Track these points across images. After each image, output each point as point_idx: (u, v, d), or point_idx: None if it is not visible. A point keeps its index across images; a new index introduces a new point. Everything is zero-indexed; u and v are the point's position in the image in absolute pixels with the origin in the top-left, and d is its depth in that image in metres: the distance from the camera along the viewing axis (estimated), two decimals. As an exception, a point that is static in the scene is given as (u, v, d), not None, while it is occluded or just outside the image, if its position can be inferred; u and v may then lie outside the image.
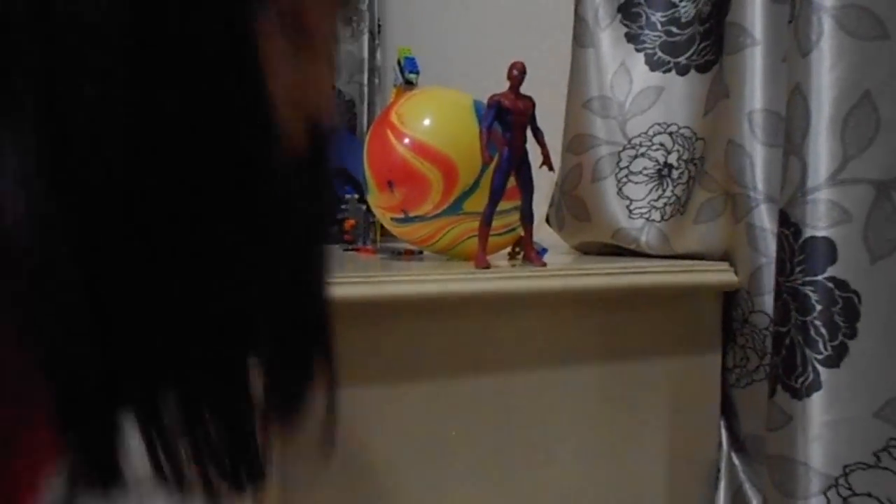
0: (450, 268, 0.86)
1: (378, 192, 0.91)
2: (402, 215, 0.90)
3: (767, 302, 0.85)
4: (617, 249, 1.03)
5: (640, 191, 1.00)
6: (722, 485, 0.92)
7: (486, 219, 0.81)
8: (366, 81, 1.86)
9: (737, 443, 0.93)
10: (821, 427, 0.74)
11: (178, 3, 0.29)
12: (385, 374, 0.73)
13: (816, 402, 0.74)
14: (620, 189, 1.00)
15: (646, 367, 0.89)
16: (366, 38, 1.85)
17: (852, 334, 0.74)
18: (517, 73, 0.80)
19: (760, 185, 0.86)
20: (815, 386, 0.74)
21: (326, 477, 0.67)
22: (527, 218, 0.84)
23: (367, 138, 0.95)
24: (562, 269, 0.86)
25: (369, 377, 0.72)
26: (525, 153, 0.82)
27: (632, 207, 1.00)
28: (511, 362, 0.80)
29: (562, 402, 0.83)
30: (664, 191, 0.99)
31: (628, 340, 0.87)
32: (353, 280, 0.70)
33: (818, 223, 0.74)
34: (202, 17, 0.29)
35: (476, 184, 0.86)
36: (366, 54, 1.86)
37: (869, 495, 0.74)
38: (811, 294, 0.75)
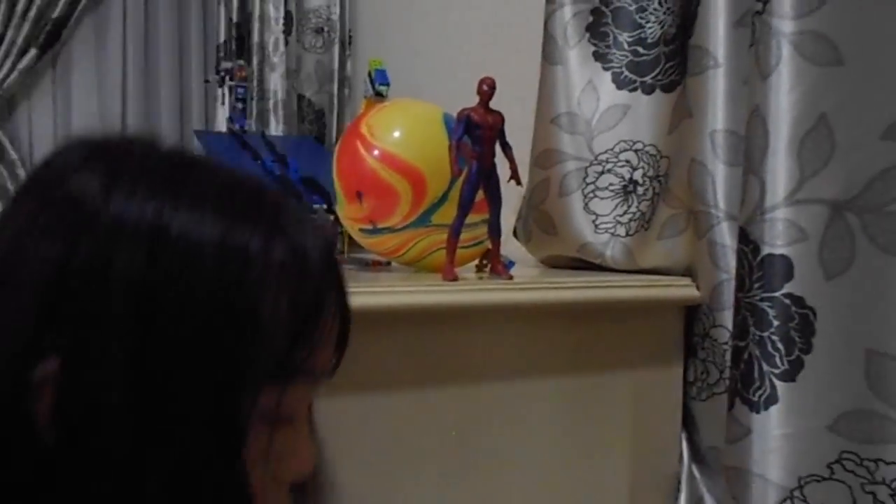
0: (418, 279, 0.86)
1: (346, 202, 0.91)
2: (370, 226, 0.90)
3: (727, 317, 0.86)
4: (582, 263, 1.04)
5: (605, 206, 1.01)
6: (682, 496, 0.94)
7: (455, 231, 0.82)
8: (336, 92, 1.86)
9: (697, 454, 0.94)
10: (777, 440, 0.76)
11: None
12: (352, 384, 0.73)
13: (773, 415, 0.76)
14: (587, 204, 1.02)
15: (609, 379, 0.90)
16: (336, 48, 1.85)
17: (808, 349, 0.76)
18: (487, 88, 0.81)
19: (722, 203, 0.88)
20: (773, 399, 0.76)
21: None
22: (494, 231, 0.85)
23: (336, 149, 0.95)
24: (528, 282, 0.87)
25: (336, 387, 0.71)
26: (494, 167, 0.83)
27: (598, 222, 1.01)
28: (476, 374, 0.81)
29: (525, 413, 0.84)
30: (629, 207, 1.00)
31: (592, 353, 0.88)
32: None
33: (776, 241, 0.77)
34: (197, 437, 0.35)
35: (445, 196, 0.87)
36: (336, 65, 1.85)
37: (823, 507, 0.75)
38: (769, 310, 0.77)
